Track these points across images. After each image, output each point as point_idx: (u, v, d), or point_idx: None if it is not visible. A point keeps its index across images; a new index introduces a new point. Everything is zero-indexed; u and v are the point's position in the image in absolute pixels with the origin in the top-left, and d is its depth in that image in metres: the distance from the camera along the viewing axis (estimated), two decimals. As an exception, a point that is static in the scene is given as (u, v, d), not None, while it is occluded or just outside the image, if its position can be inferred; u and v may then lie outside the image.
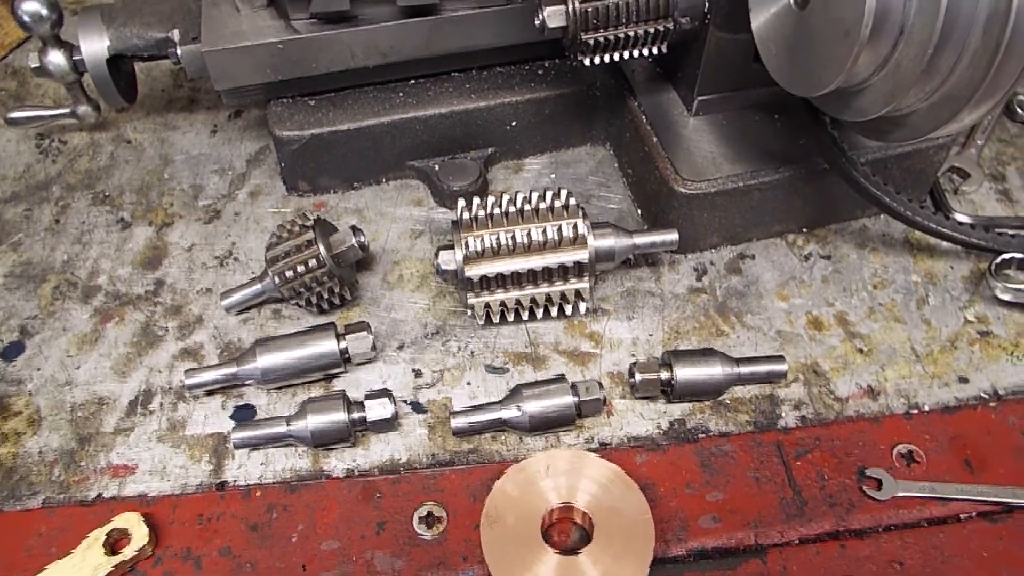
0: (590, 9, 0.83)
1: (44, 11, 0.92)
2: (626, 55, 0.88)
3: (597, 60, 0.88)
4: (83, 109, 1.03)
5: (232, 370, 0.84)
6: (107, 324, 0.92)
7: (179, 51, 0.92)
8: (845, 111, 0.77)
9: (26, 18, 0.92)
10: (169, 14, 0.95)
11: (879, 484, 0.79)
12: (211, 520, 0.77)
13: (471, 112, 0.99)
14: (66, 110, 1.03)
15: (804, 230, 1.01)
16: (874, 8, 0.64)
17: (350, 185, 1.04)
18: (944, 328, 0.93)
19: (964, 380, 0.88)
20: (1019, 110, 1.15)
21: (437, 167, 1.02)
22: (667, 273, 0.97)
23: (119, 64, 0.98)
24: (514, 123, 1.02)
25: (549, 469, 0.76)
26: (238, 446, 0.81)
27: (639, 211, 1.03)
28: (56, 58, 0.96)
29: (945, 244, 0.98)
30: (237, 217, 1.02)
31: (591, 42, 0.85)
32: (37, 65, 0.96)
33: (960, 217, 1.02)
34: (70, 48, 0.96)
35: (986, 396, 0.87)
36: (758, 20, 0.79)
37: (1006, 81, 0.65)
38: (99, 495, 0.79)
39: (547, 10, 0.84)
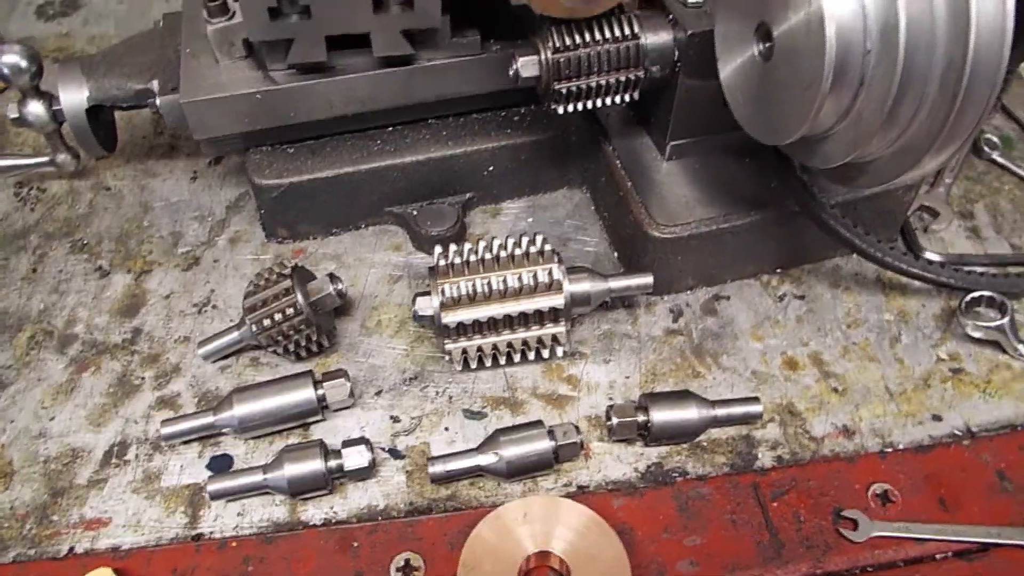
0: (562, 60, 0.85)
1: (24, 64, 0.93)
2: (599, 103, 0.90)
3: (571, 108, 0.89)
4: (62, 158, 1.03)
5: (209, 419, 0.84)
6: (83, 374, 0.91)
7: (158, 102, 0.94)
8: (811, 158, 0.78)
9: (5, 70, 0.93)
10: (149, 65, 0.97)
11: (855, 525, 0.80)
12: (186, 573, 0.77)
13: (448, 158, 1.01)
14: (45, 159, 1.04)
15: (778, 271, 1.03)
16: (834, 61, 0.66)
17: (329, 231, 1.05)
18: (917, 366, 0.94)
19: (938, 418, 0.89)
20: (986, 148, 1.18)
21: (415, 213, 1.03)
22: (644, 315, 0.98)
23: (98, 114, 0.99)
24: (491, 168, 1.04)
25: (526, 516, 0.76)
26: (214, 497, 0.81)
27: (616, 254, 1.04)
28: (35, 108, 0.96)
29: (916, 283, 0.99)
30: (216, 264, 1.02)
31: (564, 91, 0.87)
32: (16, 115, 0.97)
33: (930, 255, 1.04)
34: (50, 98, 0.97)
35: (959, 434, 0.88)
36: (725, 70, 0.81)
37: (964, 129, 0.67)
38: (71, 550, 0.78)
39: (520, 60, 0.86)
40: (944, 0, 0.62)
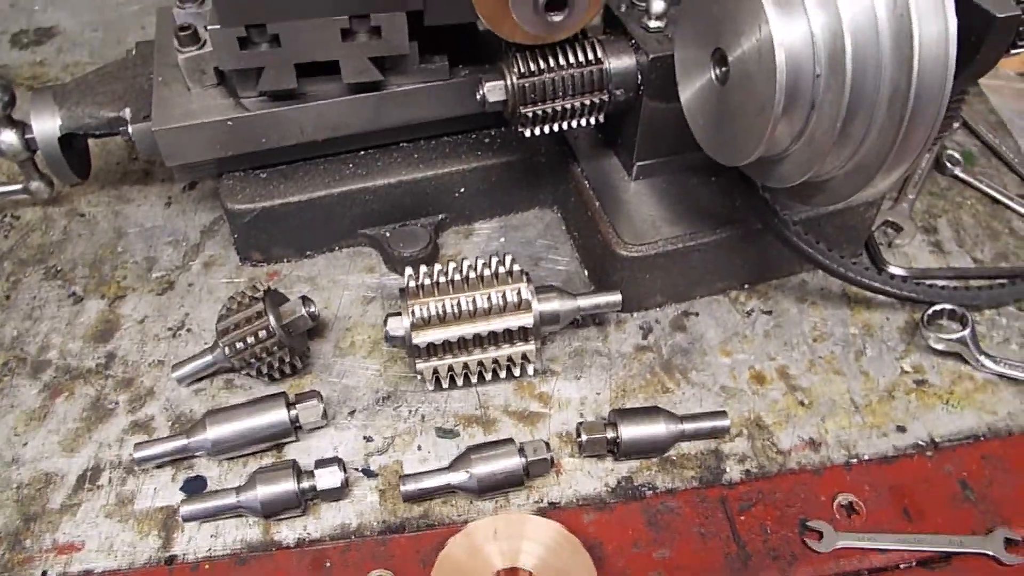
0: (527, 84, 0.87)
1: (-4, 93, 0.94)
2: (565, 126, 0.92)
3: (537, 131, 0.91)
4: (36, 185, 1.04)
5: (182, 442, 0.85)
6: (56, 399, 0.92)
7: (131, 129, 0.95)
8: (770, 178, 0.81)
9: (-22, 100, 0.94)
10: (121, 93, 0.98)
11: (820, 536, 0.81)
12: (159, 597, 0.77)
13: (420, 181, 1.02)
14: (19, 186, 1.05)
15: (746, 286, 1.05)
16: (785, 85, 0.68)
17: (303, 254, 1.06)
18: (881, 378, 0.96)
19: (902, 429, 0.91)
20: (948, 164, 1.21)
21: (388, 234, 1.04)
22: (614, 332, 0.99)
23: (71, 141, 1.00)
24: (462, 190, 1.05)
25: (496, 533, 0.77)
26: (187, 519, 0.81)
27: (586, 272, 1.05)
28: (8, 137, 0.97)
29: (880, 297, 1.01)
30: (191, 288, 1.03)
31: (530, 115, 0.89)
32: (-11, 144, 0.98)
33: (894, 270, 1.06)
34: (22, 127, 0.98)
35: (923, 444, 0.90)
36: (685, 94, 0.84)
37: (913, 149, 0.70)
38: (44, 575, 0.78)
39: (487, 85, 0.88)
40: (888, 27, 0.65)
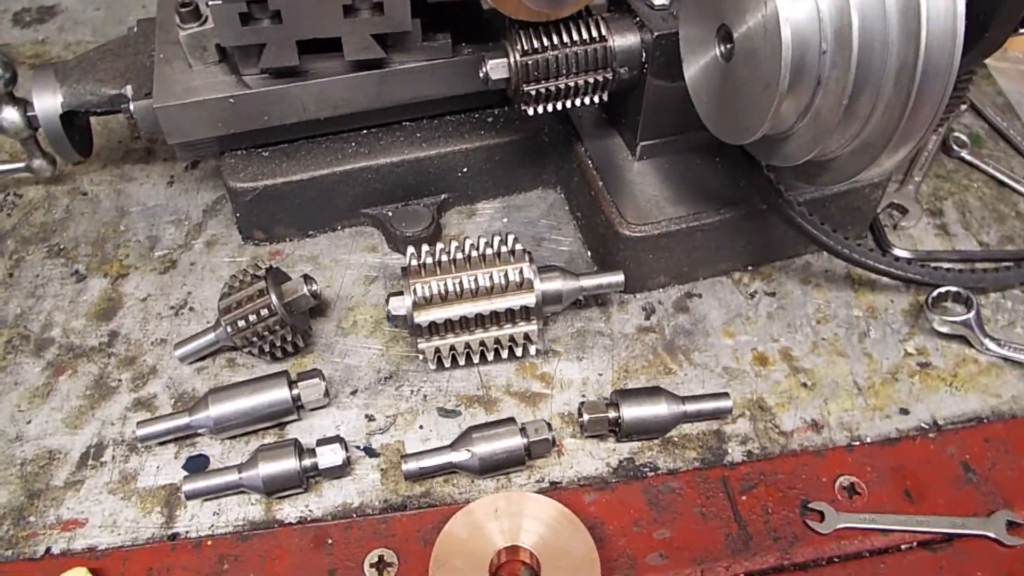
0: (530, 62, 0.86)
1: (-3, 70, 0.94)
2: (569, 104, 0.91)
3: (541, 110, 0.91)
4: (38, 163, 1.04)
5: (184, 420, 0.85)
6: (60, 377, 0.92)
7: (132, 107, 0.94)
8: (774, 157, 0.80)
9: (-21, 77, 0.93)
10: (123, 70, 0.97)
11: (822, 517, 0.81)
12: (161, 573, 0.77)
13: (422, 160, 1.02)
14: (21, 164, 1.05)
15: (749, 268, 1.04)
16: (790, 62, 0.67)
17: (305, 233, 1.06)
18: (885, 361, 0.96)
19: (905, 411, 0.91)
20: (955, 146, 1.20)
21: (390, 214, 1.04)
22: (616, 313, 0.99)
23: (73, 119, 1.00)
24: (465, 170, 1.05)
25: (497, 511, 0.77)
26: (189, 496, 0.81)
27: (589, 252, 1.05)
28: (10, 115, 0.97)
29: (885, 279, 1.01)
30: (193, 267, 1.03)
31: (533, 93, 0.88)
32: (-9, 122, 0.98)
33: (899, 252, 1.06)
34: (24, 104, 0.98)
35: (926, 427, 0.90)
36: (690, 71, 0.83)
37: (919, 127, 0.69)
38: (48, 550, 0.79)
39: (490, 63, 0.87)
40: (896, 3, 0.64)
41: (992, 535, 0.81)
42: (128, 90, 0.95)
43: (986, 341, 0.95)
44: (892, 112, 0.68)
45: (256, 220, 1.02)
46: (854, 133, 0.71)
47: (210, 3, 0.84)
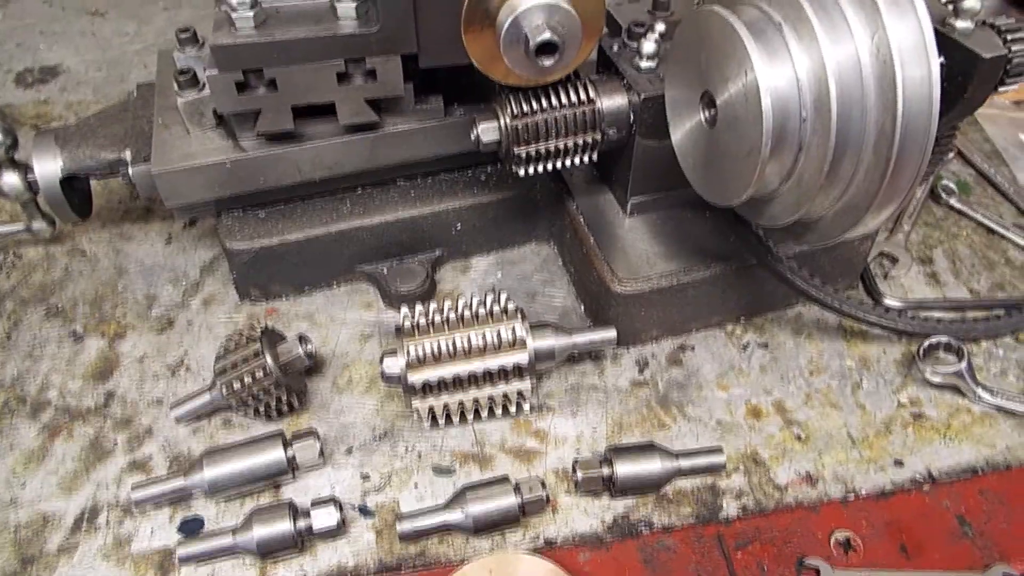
0: (520, 125, 0.88)
1: (-1, 137, 0.96)
2: (559, 164, 0.93)
3: (531, 171, 0.92)
4: (38, 225, 1.06)
5: (180, 483, 0.85)
6: (55, 439, 0.92)
7: (131, 171, 0.96)
8: (760, 217, 0.81)
9: (-19, 144, 0.95)
10: (122, 135, 0.99)
11: (817, 573, 0.81)
12: (155, 640, 0.77)
13: (416, 218, 1.03)
14: (21, 226, 1.06)
15: (741, 319, 1.05)
16: (772, 128, 0.69)
17: (301, 291, 1.07)
18: (878, 412, 0.96)
19: (899, 463, 0.91)
20: (943, 194, 1.22)
21: (386, 271, 1.05)
22: (610, 367, 1.00)
23: (73, 183, 1.01)
24: (459, 226, 1.06)
25: (491, 573, 0.77)
26: (183, 560, 0.81)
27: (582, 306, 1.06)
28: (10, 179, 0.99)
29: (876, 329, 1.02)
30: (190, 326, 1.04)
31: (524, 155, 0.90)
32: (-8, 186, 0.99)
33: (890, 302, 1.07)
34: (24, 168, 1.00)
35: (920, 479, 0.90)
36: (676, 135, 0.85)
37: (900, 190, 0.70)
38: (41, 618, 0.79)
39: (481, 126, 0.89)
40: (872, 72, 0.66)
41: (989, 590, 0.80)
42: (127, 155, 0.97)
43: (979, 391, 0.96)
44: (873, 176, 0.69)
45: (253, 279, 1.03)
46: (837, 195, 0.73)
47: (208, 72, 0.87)
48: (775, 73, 0.68)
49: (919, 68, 0.65)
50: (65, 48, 1.50)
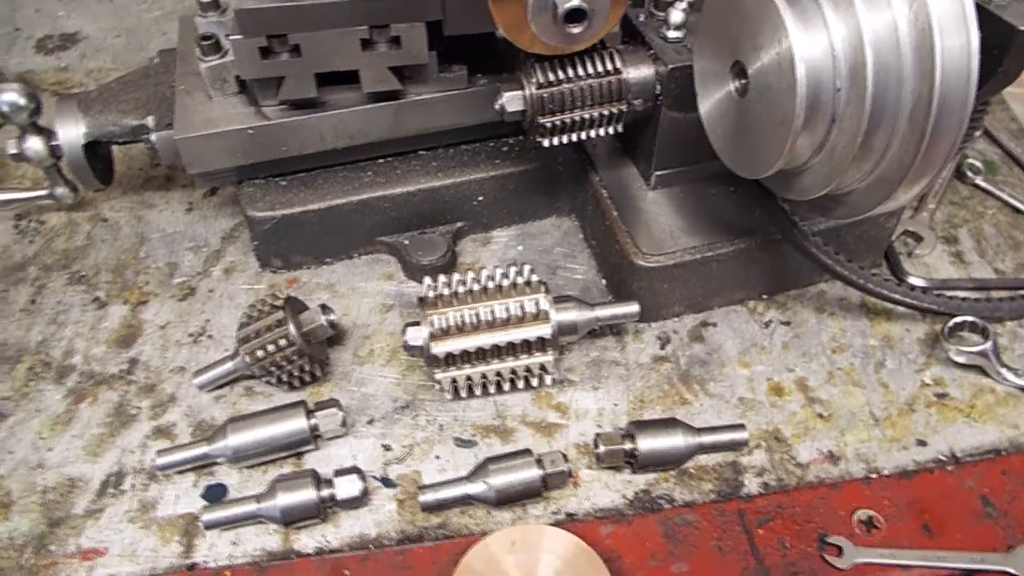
0: (546, 95, 0.87)
1: (22, 102, 0.95)
2: (583, 136, 0.92)
3: (555, 142, 0.91)
4: (60, 191, 1.06)
5: (203, 449, 0.86)
6: (80, 404, 0.93)
7: (153, 137, 0.96)
8: (789, 191, 0.80)
9: (5, 108, 0.95)
10: (144, 101, 0.99)
11: (840, 551, 0.81)
12: (179, 603, 0.78)
13: (438, 189, 1.03)
14: (44, 192, 1.06)
15: (764, 296, 1.04)
16: (805, 98, 0.68)
17: (322, 261, 1.06)
18: (901, 391, 0.95)
19: (922, 443, 0.91)
20: (969, 173, 1.20)
21: (407, 242, 1.05)
22: (632, 342, 0.99)
23: (96, 148, 1.01)
24: (481, 198, 1.05)
25: (513, 545, 0.77)
26: (208, 527, 0.82)
27: (604, 281, 1.05)
28: (34, 144, 0.98)
29: (900, 308, 1.01)
30: (211, 294, 1.04)
31: (548, 125, 0.89)
32: (15, 151, 0.99)
33: (914, 280, 1.06)
34: (48, 134, 0.99)
35: (944, 459, 0.89)
36: (704, 105, 0.83)
37: (935, 162, 0.69)
38: (68, 580, 0.80)
39: (505, 96, 0.88)
40: (910, 40, 0.64)
41: (1012, 571, 0.80)
42: (150, 121, 0.96)
43: (1003, 371, 0.95)
44: (907, 148, 0.68)
45: (274, 248, 1.03)
46: (869, 168, 0.72)
47: (231, 37, 0.86)
48: (810, 41, 0.67)
49: (958, 37, 0.63)
50: (84, 15, 1.49)
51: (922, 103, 0.65)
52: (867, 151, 0.70)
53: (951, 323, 0.97)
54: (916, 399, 0.94)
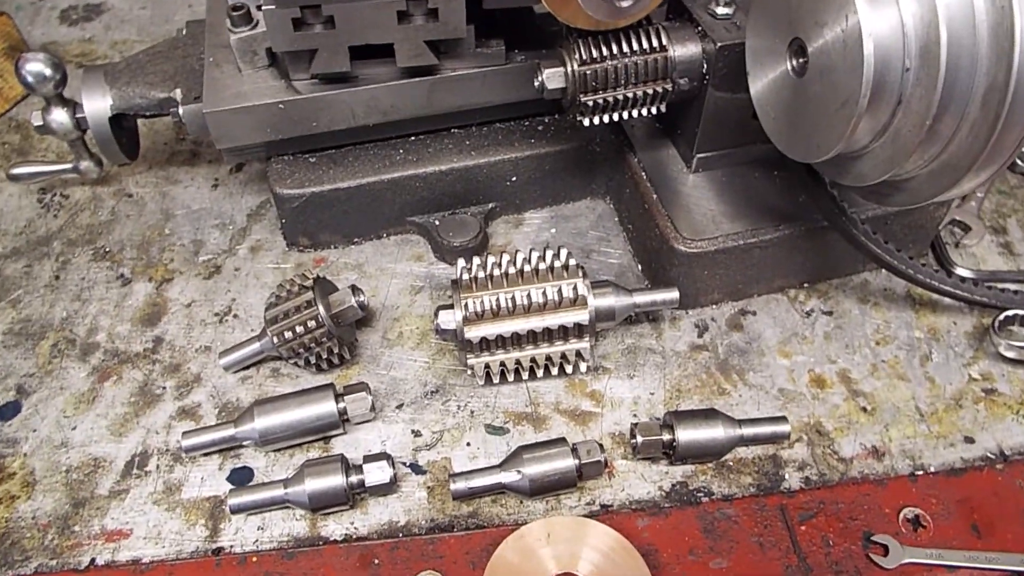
0: (588, 72, 0.83)
1: (48, 72, 0.93)
2: (625, 115, 0.89)
3: (597, 121, 0.88)
4: (85, 165, 1.03)
5: (230, 432, 0.84)
6: (105, 383, 0.91)
7: (181, 111, 0.93)
8: (845, 176, 0.77)
9: (30, 79, 0.93)
10: (172, 73, 0.96)
11: (885, 551, 0.78)
12: (206, 589, 0.76)
13: (471, 168, 1.00)
14: (68, 165, 1.04)
15: (805, 285, 1.01)
16: (872, 78, 0.64)
17: (350, 240, 1.04)
18: (948, 386, 0.92)
19: (970, 440, 0.87)
20: (1019, 161, 1.16)
21: (437, 223, 1.02)
22: (668, 330, 0.96)
23: (121, 121, 0.99)
24: (514, 179, 1.02)
25: (550, 536, 0.75)
26: (234, 511, 0.80)
27: (639, 266, 1.02)
28: (59, 116, 0.96)
29: (947, 299, 0.97)
30: (237, 272, 1.02)
31: (590, 103, 0.86)
32: (40, 123, 0.97)
33: (962, 271, 1.02)
34: (73, 106, 0.97)
35: (992, 457, 0.86)
36: (756, 85, 0.80)
37: (1006, 150, 0.65)
38: (92, 561, 0.78)
39: (546, 72, 0.85)
40: (987, 19, 0.61)
41: (1064, 574, 0.77)
42: (177, 93, 0.94)
43: (1055, 367, 0.91)
44: (978, 134, 0.64)
45: (301, 226, 1.01)
46: (934, 154, 0.68)
47: (264, 7, 0.83)
48: (879, 17, 0.63)
49: (1040, 16, 0.59)
50: (108, -15, 1.47)
51: (997, 86, 0.61)
52: (934, 136, 0.66)
53: (1001, 316, 0.93)
54: (963, 394, 0.91)
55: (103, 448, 0.86)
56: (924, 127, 0.65)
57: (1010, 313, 0.93)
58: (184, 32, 1.02)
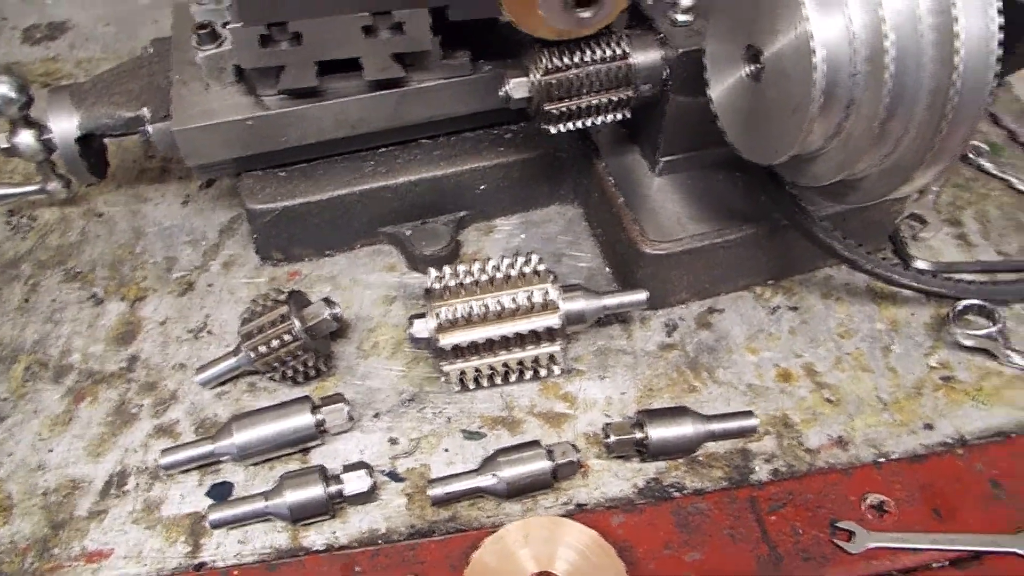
0: (552, 81, 0.85)
1: (13, 94, 0.93)
2: (590, 122, 0.90)
3: (562, 128, 0.90)
4: (53, 186, 1.03)
5: (208, 448, 0.84)
6: (80, 404, 0.91)
7: (150, 129, 0.94)
8: (802, 177, 0.79)
9: (-5, 102, 0.93)
10: (138, 92, 0.97)
11: (851, 536, 0.81)
12: (189, 604, 0.77)
13: (440, 178, 1.01)
14: (36, 187, 1.04)
15: (771, 282, 1.03)
16: (823, 84, 0.67)
17: (323, 253, 1.05)
18: (909, 375, 0.95)
19: (930, 427, 0.90)
20: (973, 155, 1.19)
21: (409, 233, 1.03)
22: (638, 330, 0.98)
23: (89, 141, 0.99)
24: (483, 187, 1.04)
25: (527, 537, 0.77)
26: (215, 525, 0.81)
27: (609, 269, 1.04)
28: (25, 138, 0.96)
29: (906, 291, 1.00)
30: (211, 288, 1.02)
31: (555, 112, 0.87)
32: (6, 146, 0.97)
33: (920, 264, 1.05)
34: (39, 127, 0.97)
35: (952, 442, 0.89)
36: (715, 90, 0.82)
37: (953, 147, 0.68)
38: (74, 582, 0.78)
39: (511, 82, 0.87)
40: (930, 24, 0.63)
41: (1022, 552, 0.80)
42: (145, 112, 0.94)
43: (1010, 354, 0.95)
44: (925, 134, 0.67)
45: (274, 241, 1.01)
46: (885, 154, 0.71)
47: (230, 25, 0.84)
48: (829, 24, 0.66)
49: (979, 20, 0.63)
50: (72, 3, 1.45)
51: (942, 88, 0.64)
52: (884, 137, 0.69)
53: (958, 306, 0.96)
54: (924, 383, 0.94)
55: (81, 469, 0.86)
56: (874, 129, 0.68)
57: (967, 303, 0.96)
58: (150, 50, 1.02)
